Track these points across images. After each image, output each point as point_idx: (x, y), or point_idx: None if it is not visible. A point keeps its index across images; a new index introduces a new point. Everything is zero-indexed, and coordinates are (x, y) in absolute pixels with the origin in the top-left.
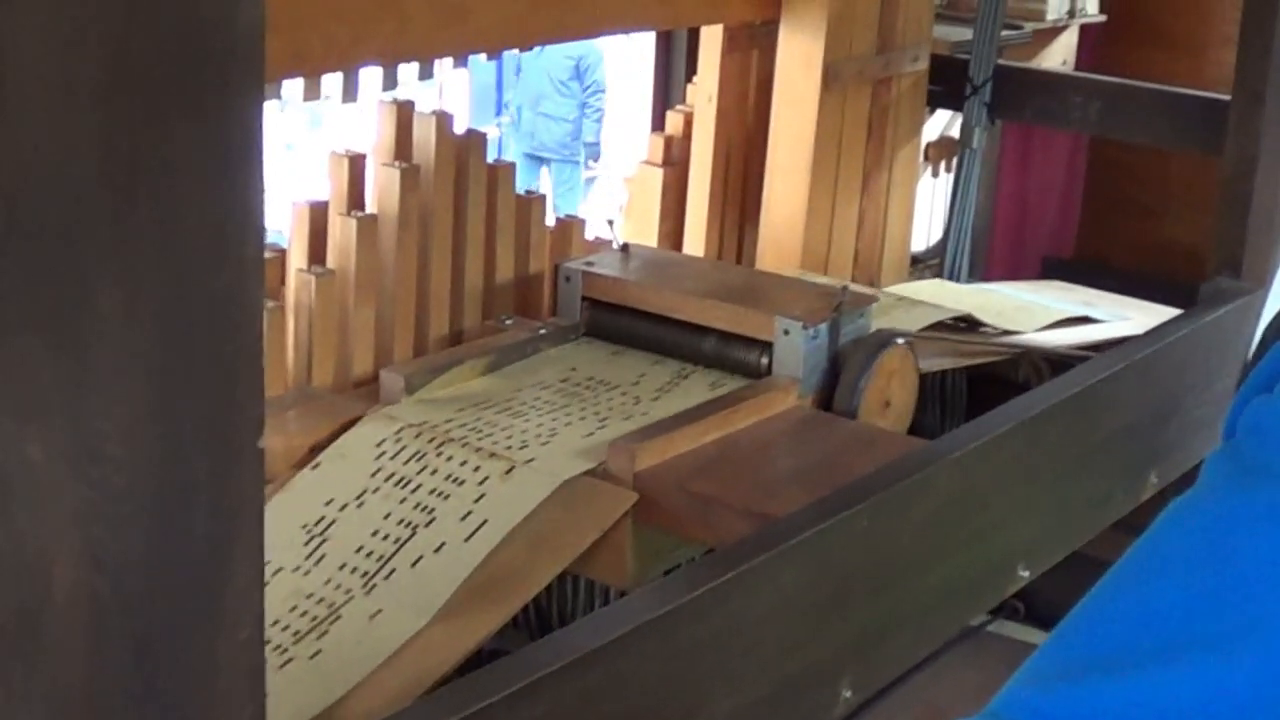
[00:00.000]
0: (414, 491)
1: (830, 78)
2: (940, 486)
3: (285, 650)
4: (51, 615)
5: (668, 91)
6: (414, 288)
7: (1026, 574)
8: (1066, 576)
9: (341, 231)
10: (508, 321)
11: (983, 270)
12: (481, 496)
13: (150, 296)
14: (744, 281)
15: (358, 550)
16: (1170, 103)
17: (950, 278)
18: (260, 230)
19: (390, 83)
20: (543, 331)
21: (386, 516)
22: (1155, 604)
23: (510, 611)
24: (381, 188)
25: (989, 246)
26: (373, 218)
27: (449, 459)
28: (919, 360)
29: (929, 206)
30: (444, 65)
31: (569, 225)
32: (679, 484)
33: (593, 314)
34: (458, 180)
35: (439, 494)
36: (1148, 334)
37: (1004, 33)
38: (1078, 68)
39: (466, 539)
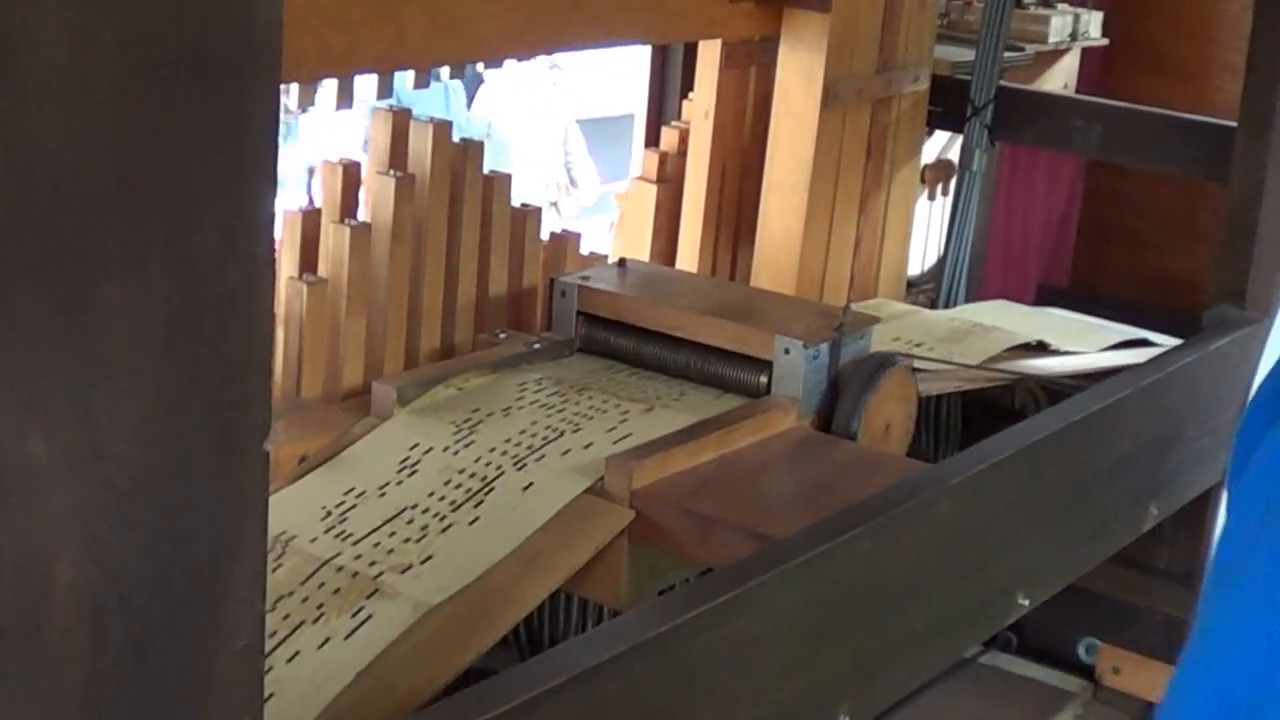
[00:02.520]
0: (559, 412)
1: (830, 96)
2: (942, 511)
3: (444, 517)
4: (50, 614)
5: (663, 107)
6: (406, 299)
7: (1026, 603)
8: (1061, 610)
9: (334, 240)
10: (501, 335)
11: (977, 297)
12: (625, 420)
13: (159, 294)
14: (743, 299)
15: (506, 440)
16: (1174, 128)
17: (947, 303)
18: (271, 230)
19: (385, 91)
20: (537, 346)
21: (533, 423)
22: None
23: (501, 630)
24: (376, 196)
25: (984, 273)
26: (366, 226)
27: (590, 397)
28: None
29: (924, 230)
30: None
31: (564, 239)
32: (677, 503)
33: (588, 329)
34: (453, 190)
35: (584, 416)
36: (1149, 362)
37: (1006, 54)
38: (1079, 91)
39: (614, 443)
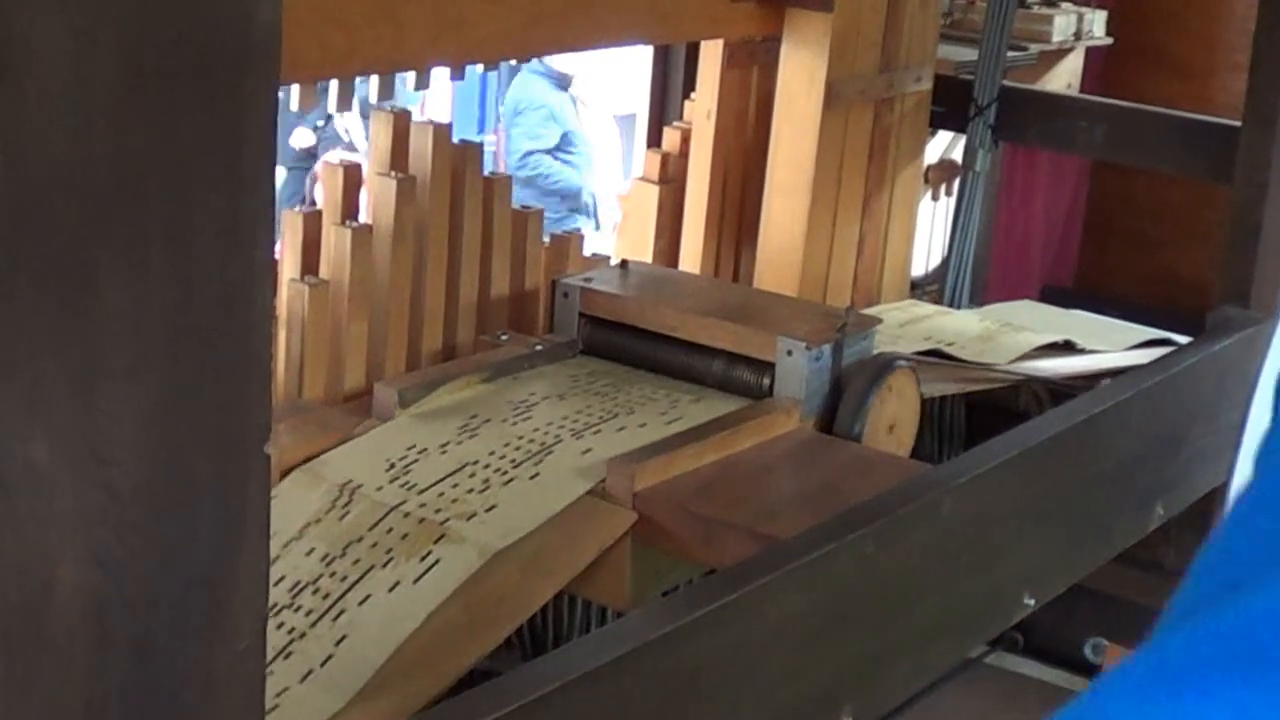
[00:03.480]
0: (612, 399)
1: (832, 96)
2: (946, 512)
3: (506, 473)
4: (54, 616)
5: (664, 107)
6: (408, 300)
7: (1031, 603)
8: (1066, 610)
9: (335, 242)
10: (503, 337)
11: (981, 298)
12: (675, 405)
13: (159, 297)
14: (745, 301)
15: (563, 417)
16: (1178, 128)
17: (951, 304)
18: (270, 232)
19: (386, 92)
20: (539, 348)
21: (588, 405)
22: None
23: (506, 631)
24: (377, 198)
25: (987, 273)
26: (367, 228)
27: (640, 389)
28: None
29: (927, 231)
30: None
31: (566, 240)
32: (679, 504)
33: (590, 331)
34: (454, 192)
35: (636, 401)
36: (1154, 363)
37: (1009, 54)
38: (1083, 91)
39: (667, 424)
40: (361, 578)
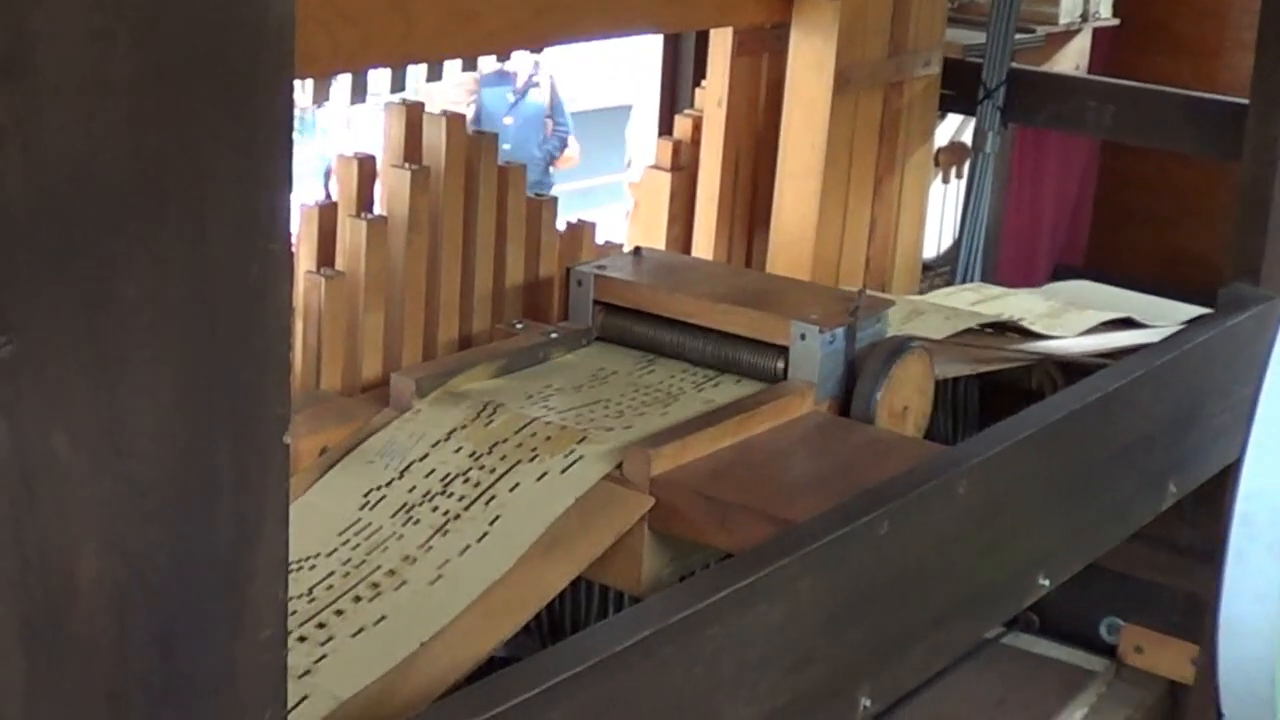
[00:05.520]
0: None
1: (842, 81)
2: (961, 493)
3: (638, 409)
4: (75, 608)
5: (675, 95)
6: (423, 290)
7: (1047, 583)
8: (1082, 590)
9: (351, 233)
10: (518, 325)
11: (993, 280)
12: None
13: (177, 290)
14: (759, 285)
15: (684, 370)
16: (1187, 107)
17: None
18: (288, 225)
19: (398, 85)
20: (554, 335)
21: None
22: None
23: (524, 618)
24: (391, 189)
25: (998, 254)
26: (382, 220)
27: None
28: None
29: (939, 213)
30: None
31: (580, 229)
32: (696, 489)
33: (605, 318)
34: (468, 182)
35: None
36: (1166, 340)
37: (1017, 36)
38: (1090, 72)
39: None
40: (509, 470)
